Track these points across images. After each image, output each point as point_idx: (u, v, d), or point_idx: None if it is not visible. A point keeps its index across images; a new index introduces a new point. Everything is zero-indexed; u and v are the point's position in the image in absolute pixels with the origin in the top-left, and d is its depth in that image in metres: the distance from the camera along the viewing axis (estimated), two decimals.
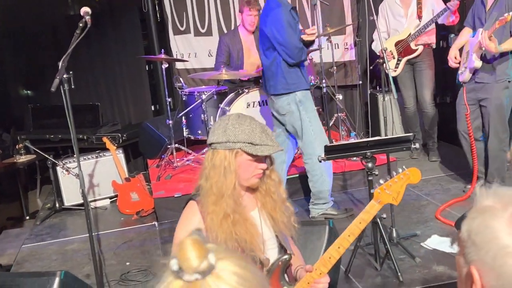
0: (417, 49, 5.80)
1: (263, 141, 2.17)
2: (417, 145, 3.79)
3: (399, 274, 3.66)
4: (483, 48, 4.47)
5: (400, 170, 2.41)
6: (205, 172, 2.23)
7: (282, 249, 2.35)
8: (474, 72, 4.68)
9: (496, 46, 4.42)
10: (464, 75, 4.76)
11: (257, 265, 2.24)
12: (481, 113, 4.79)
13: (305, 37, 4.43)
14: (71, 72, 3.29)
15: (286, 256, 2.29)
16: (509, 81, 4.62)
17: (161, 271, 0.99)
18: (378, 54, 5.78)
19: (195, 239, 0.96)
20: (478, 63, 4.60)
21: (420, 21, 5.81)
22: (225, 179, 2.18)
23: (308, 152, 4.64)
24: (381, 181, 2.40)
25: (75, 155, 5.75)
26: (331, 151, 3.84)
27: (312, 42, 4.55)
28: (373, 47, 6.11)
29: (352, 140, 5.53)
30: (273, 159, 2.34)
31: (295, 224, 2.36)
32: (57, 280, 3.24)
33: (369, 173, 3.69)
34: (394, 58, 5.88)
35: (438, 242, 4.09)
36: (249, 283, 0.97)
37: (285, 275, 2.33)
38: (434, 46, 5.98)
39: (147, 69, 7.58)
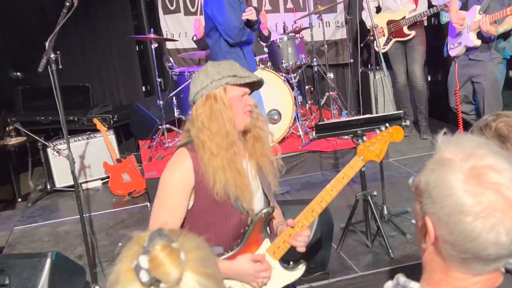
0: (409, 34, 5.76)
1: (245, 73, 2.22)
2: (408, 122, 3.78)
3: (390, 251, 3.69)
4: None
5: (383, 128, 2.42)
6: (196, 124, 2.20)
7: (267, 201, 2.38)
8: (468, 48, 4.67)
9: (497, 29, 4.42)
10: (456, 50, 4.75)
11: (243, 215, 2.27)
12: (473, 89, 4.81)
13: (244, 17, 4.37)
14: (58, 52, 3.25)
15: (268, 209, 2.30)
16: (503, 58, 4.63)
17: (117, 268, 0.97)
18: (368, 27, 5.75)
19: (165, 246, 0.93)
20: (477, 42, 4.61)
21: (416, 5, 5.77)
22: (222, 118, 2.18)
23: None
24: (365, 138, 2.42)
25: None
26: (322, 130, 3.83)
27: (255, 22, 4.47)
28: (363, 17, 6.04)
29: (343, 119, 5.52)
30: (256, 103, 2.35)
31: (281, 163, 2.37)
32: (48, 261, 3.25)
33: None
34: (384, 35, 5.85)
35: None
36: (211, 262, 0.99)
37: (267, 228, 2.35)
38: (425, 23, 5.96)
39: (137, 49, 7.52)
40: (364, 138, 2.41)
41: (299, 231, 2.26)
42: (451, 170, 1.12)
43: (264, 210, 2.30)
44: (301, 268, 2.34)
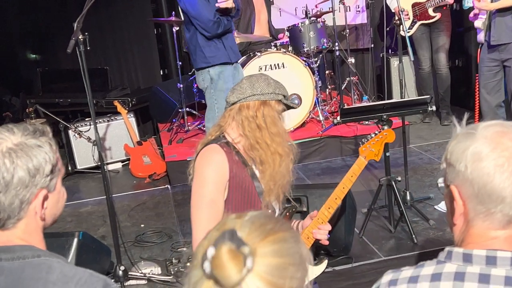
0: (434, 16, 5.70)
1: (289, 97, 2.30)
2: (434, 108, 3.76)
3: (413, 236, 3.69)
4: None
5: (377, 132, 2.74)
6: (257, 121, 2.24)
7: (285, 201, 2.44)
8: (488, 32, 4.57)
9: (487, 4, 4.35)
10: (479, 35, 4.69)
11: (269, 210, 2.34)
12: (504, 74, 4.67)
13: (219, 5, 4.20)
14: (86, 34, 3.24)
15: (292, 206, 2.42)
16: None
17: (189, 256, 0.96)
18: (393, 11, 5.68)
19: (231, 250, 0.90)
20: (477, 23, 4.59)
21: None
22: (281, 125, 2.29)
23: (208, 126, 4.54)
24: (364, 140, 2.72)
25: (86, 119, 5.82)
26: (347, 114, 3.81)
27: (231, 10, 4.30)
28: (388, 2, 5.96)
29: (364, 104, 5.50)
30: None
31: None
32: (75, 240, 3.29)
33: None
34: (409, 19, 5.78)
35: None
36: (286, 272, 0.95)
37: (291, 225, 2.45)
38: (455, 6, 5.89)
39: (155, 33, 7.51)
40: (363, 140, 2.73)
41: (321, 226, 2.38)
42: (466, 134, 1.20)
43: (289, 208, 2.41)
44: (324, 263, 2.48)
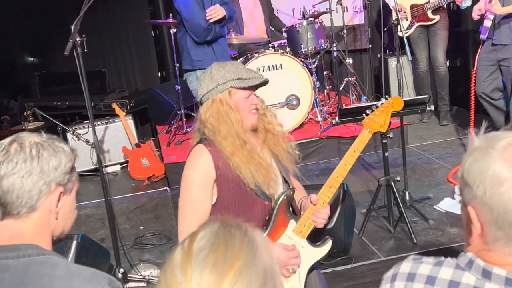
0: (434, 19, 5.69)
1: (249, 74, 2.24)
2: (432, 107, 3.75)
3: (413, 236, 3.68)
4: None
5: (383, 100, 2.56)
6: (207, 125, 2.25)
7: (286, 184, 2.41)
8: (492, 32, 4.61)
9: (498, 8, 4.38)
10: (482, 33, 4.72)
11: (266, 201, 2.31)
12: (501, 74, 4.73)
13: (208, 18, 4.26)
14: (84, 36, 3.24)
15: (289, 191, 2.35)
16: None
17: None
18: (391, 8, 5.67)
19: None
20: (487, 23, 4.61)
21: None
22: (230, 120, 2.22)
23: None
24: (368, 112, 2.52)
25: (84, 122, 5.82)
26: (345, 114, 3.81)
27: (223, 19, 4.35)
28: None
29: (363, 104, 5.49)
30: (263, 99, 2.38)
31: (297, 152, 2.42)
32: (74, 243, 3.29)
33: (383, 136, 3.68)
34: (407, 20, 5.77)
35: (450, 205, 4.11)
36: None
37: (290, 209, 2.39)
38: (452, 6, 5.89)
39: (153, 35, 7.51)
40: (368, 111, 2.53)
41: (320, 208, 2.31)
42: (482, 152, 1.13)
43: (286, 193, 2.34)
44: (328, 243, 2.40)
